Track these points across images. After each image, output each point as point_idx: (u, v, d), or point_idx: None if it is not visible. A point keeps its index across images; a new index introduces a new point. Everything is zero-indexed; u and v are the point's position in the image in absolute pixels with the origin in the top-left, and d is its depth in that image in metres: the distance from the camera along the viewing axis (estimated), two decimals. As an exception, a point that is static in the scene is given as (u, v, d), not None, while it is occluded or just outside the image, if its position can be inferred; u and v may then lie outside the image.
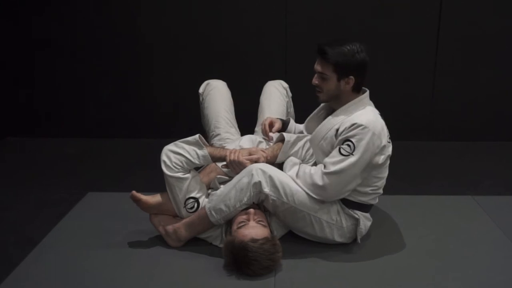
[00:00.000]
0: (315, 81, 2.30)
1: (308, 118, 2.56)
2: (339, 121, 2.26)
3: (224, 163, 2.39)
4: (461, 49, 3.81)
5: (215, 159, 2.36)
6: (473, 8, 3.72)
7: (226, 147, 2.56)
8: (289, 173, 2.29)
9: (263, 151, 2.39)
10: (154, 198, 2.39)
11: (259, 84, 3.07)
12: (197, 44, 3.84)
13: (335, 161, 2.19)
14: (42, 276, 2.16)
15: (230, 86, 3.03)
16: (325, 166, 2.23)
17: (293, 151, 2.39)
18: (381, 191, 2.38)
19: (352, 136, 2.18)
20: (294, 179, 2.27)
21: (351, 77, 2.23)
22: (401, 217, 2.69)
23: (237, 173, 2.31)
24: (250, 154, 2.35)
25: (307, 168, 2.28)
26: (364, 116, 2.22)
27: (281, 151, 2.40)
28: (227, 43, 3.84)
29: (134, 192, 2.36)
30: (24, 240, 2.46)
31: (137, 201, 2.37)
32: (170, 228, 2.35)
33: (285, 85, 3.05)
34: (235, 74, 3.72)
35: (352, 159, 2.17)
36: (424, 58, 3.85)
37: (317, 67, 2.28)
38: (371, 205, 2.40)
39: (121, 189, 2.95)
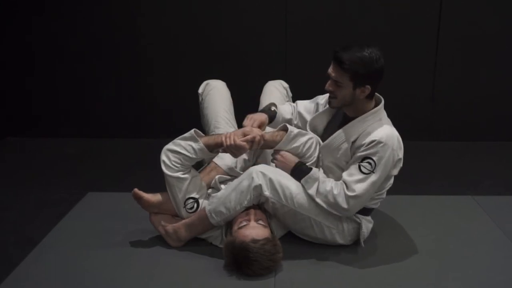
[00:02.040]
0: (329, 87, 2.22)
1: (314, 115, 2.50)
2: (355, 132, 2.23)
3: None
4: (461, 49, 3.81)
5: (211, 147, 2.31)
6: (473, 8, 3.72)
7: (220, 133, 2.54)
8: (309, 191, 2.24)
9: (258, 130, 2.34)
10: (155, 197, 2.39)
11: (259, 84, 3.08)
12: (197, 44, 3.84)
13: (357, 180, 2.17)
14: (42, 276, 2.16)
15: (230, 86, 3.03)
16: (347, 186, 2.19)
17: (294, 145, 2.34)
18: (384, 196, 2.38)
19: (373, 154, 2.15)
20: (314, 197, 2.23)
21: (368, 86, 2.16)
22: (401, 217, 2.69)
23: (237, 156, 2.31)
24: (244, 135, 2.29)
25: (328, 185, 2.22)
26: (383, 131, 2.18)
27: (282, 141, 2.33)
28: (227, 43, 3.84)
29: (136, 189, 2.37)
30: (24, 240, 2.46)
31: (139, 199, 2.37)
32: (170, 228, 2.35)
33: (285, 85, 3.05)
34: (235, 74, 3.72)
35: (373, 178, 2.17)
36: (424, 58, 3.85)
37: (332, 73, 2.18)
38: (373, 209, 2.40)
39: (121, 189, 2.95)
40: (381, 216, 2.67)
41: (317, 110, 2.56)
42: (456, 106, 3.94)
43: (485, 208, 2.78)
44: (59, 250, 2.36)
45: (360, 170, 2.17)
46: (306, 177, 2.25)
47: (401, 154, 2.25)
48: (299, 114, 2.62)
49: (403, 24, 3.77)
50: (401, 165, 2.29)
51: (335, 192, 2.20)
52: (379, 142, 2.15)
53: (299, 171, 2.29)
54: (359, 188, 2.17)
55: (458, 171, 3.39)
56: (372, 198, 2.32)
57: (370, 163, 2.16)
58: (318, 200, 2.22)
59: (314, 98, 2.62)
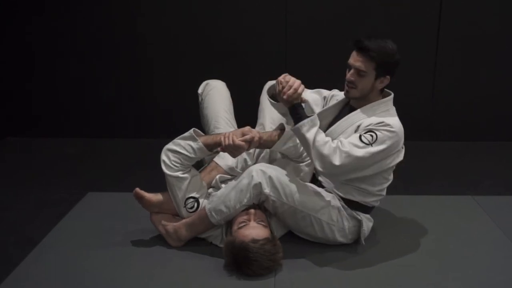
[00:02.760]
0: (350, 77, 2.23)
1: (321, 111, 2.47)
2: (362, 118, 2.25)
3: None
4: (461, 49, 3.81)
5: (210, 147, 2.30)
6: (473, 8, 3.72)
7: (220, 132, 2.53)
8: (307, 135, 2.14)
9: (257, 131, 2.32)
10: (156, 197, 2.39)
11: (259, 84, 3.07)
12: (197, 44, 3.84)
13: (354, 144, 2.13)
14: (42, 276, 2.16)
15: (230, 86, 3.02)
16: (342, 144, 2.14)
17: (291, 144, 2.33)
18: (384, 193, 2.38)
19: (377, 130, 2.16)
20: (310, 142, 2.12)
21: (388, 76, 2.21)
22: (401, 217, 2.69)
23: (236, 156, 2.29)
24: (243, 134, 2.27)
25: (326, 137, 2.16)
26: (392, 119, 2.22)
27: (279, 140, 2.31)
28: (227, 43, 3.84)
29: (137, 189, 2.37)
30: (24, 240, 2.46)
31: (140, 198, 2.37)
32: (170, 227, 2.35)
33: (285, 85, 3.04)
34: (235, 74, 3.72)
35: (370, 149, 2.14)
36: (424, 58, 3.85)
37: (356, 63, 2.20)
38: (373, 207, 2.40)
39: (121, 189, 2.96)
40: (382, 216, 2.67)
41: (322, 104, 2.56)
42: (456, 106, 3.95)
43: (485, 208, 2.78)
44: (59, 250, 2.36)
45: (360, 139, 2.15)
46: (308, 119, 2.16)
47: (401, 146, 2.26)
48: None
49: (403, 24, 3.77)
50: (400, 158, 2.29)
51: (333, 145, 2.13)
52: (387, 124, 2.17)
53: (300, 112, 2.20)
54: (354, 150, 2.12)
55: (458, 171, 3.39)
56: (373, 194, 2.32)
57: (371, 135, 2.15)
58: (313, 150, 2.13)
59: (316, 90, 2.62)
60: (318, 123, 2.19)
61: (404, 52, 3.79)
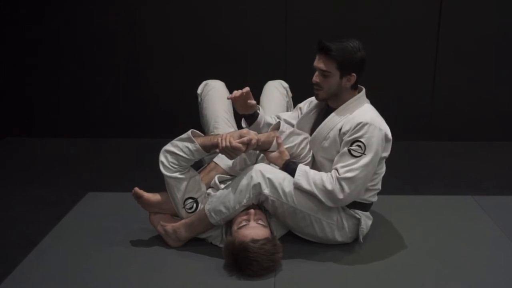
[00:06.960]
0: (316, 79, 2.26)
1: (300, 118, 2.53)
2: (340, 120, 2.26)
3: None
4: (461, 49, 3.81)
5: (208, 148, 2.28)
6: (473, 8, 3.72)
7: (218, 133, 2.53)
8: (306, 187, 2.20)
9: (255, 133, 2.31)
10: (155, 197, 2.39)
11: (259, 84, 3.07)
12: (197, 44, 3.84)
13: (349, 164, 2.16)
14: (42, 276, 2.16)
15: (230, 86, 3.02)
16: (338, 173, 2.17)
17: (289, 145, 2.34)
18: (379, 186, 2.38)
19: (361, 136, 2.17)
20: (313, 189, 2.19)
21: (353, 74, 2.22)
22: (401, 217, 2.69)
23: (233, 158, 2.28)
24: (241, 136, 2.26)
25: (321, 176, 2.20)
26: (367, 114, 2.23)
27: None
28: (227, 43, 3.84)
29: (136, 188, 2.37)
30: (24, 240, 2.46)
31: (139, 198, 2.37)
32: (169, 228, 2.35)
33: (285, 85, 3.05)
34: (235, 74, 3.72)
35: (365, 159, 2.16)
36: (424, 58, 3.85)
37: (319, 64, 2.23)
38: (371, 203, 2.40)
39: (121, 189, 2.96)
40: (381, 216, 2.67)
41: (298, 114, 2.59)
42: (456, 106, 3.95)
43: (485, 208, 2.78)
44: (59, 250, 2.36)
45: (351, 154, 2.17)
46: (298, 171, 2.22)
47: (389, 134, 2.26)
48: (285, 121, 2.60)
49: (403, 24, 3.77)
50: (389, 150, 2.29)
51: (326, 180, 2.17)
52: (365, 124, 2.17)
53: (292, 167, 2.26)
54: (353, 173, 2.15)
55: (458, 171, 3.39)
56: (367, 190, 2.31)
57: (359, 146, 2.16)
58: (318, 193, 2.19)
59: (295, 108, 2.67)
60: (307, 168, 2.24)
61: (404, 52, 3.83)
